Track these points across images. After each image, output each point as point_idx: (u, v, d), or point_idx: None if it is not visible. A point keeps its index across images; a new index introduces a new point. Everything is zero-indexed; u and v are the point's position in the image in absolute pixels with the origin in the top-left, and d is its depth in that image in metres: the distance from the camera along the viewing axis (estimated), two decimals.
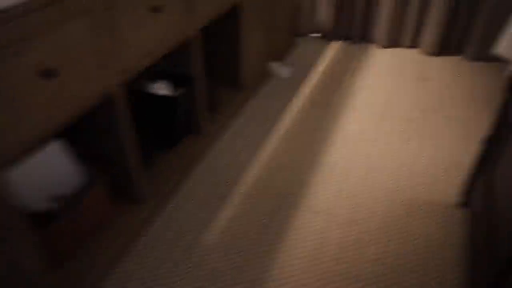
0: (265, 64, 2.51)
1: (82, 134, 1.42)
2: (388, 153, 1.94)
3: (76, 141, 1.44)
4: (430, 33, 2.75)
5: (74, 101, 1.11)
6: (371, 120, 2.17)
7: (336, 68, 2.68)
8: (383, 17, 2.83)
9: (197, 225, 1.57)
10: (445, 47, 2.83)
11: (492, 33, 2.59)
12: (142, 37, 1.32)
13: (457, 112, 2.22)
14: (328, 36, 3.03)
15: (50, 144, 1.31)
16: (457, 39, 2.76)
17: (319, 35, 3.09)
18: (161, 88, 1.73)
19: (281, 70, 2.55)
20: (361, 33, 3.00)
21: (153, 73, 1.81)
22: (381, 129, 2.10)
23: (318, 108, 2.27)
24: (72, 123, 1.41)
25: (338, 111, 2.25)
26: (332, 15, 2.94)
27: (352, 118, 2.19)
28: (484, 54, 2.70)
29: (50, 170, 1.31)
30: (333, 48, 2.96)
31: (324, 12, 2.99)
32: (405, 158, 1.91)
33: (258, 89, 2.44)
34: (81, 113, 1.15)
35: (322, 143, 2.01)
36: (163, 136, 1.83)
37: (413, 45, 2.92)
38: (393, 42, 2.93)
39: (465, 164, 1.86)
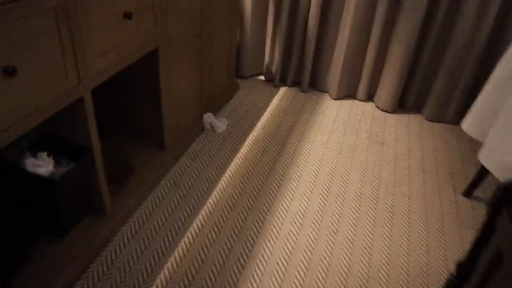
0: (196, 116, 2.10)
1: None
2: (336, 247, 1.57)
3: None
4: (387, 88, 2.45)
5: None
6: (317, 197, 1.80)
7: (281, 122, 2.32)
8: (337, 65, 2.51)
9: None
10: (403, 103, 2.55)
11: (453, 93, 2.34)
12: None
13: (418, 187, 1.91)
14: (275, 80, 2.68)
15: None
16: (415, 96, 2.49)
17: (264, 78, 2.73)
18: (38, 165, 1.27)
19: (216, 123, 2.14)
20: (312, 79, 2.67)
21: (33, 141, 1.35)
22: (327, 212, 1.73)
23: (255, 178, 1.87)
24: None
25: (279, 183, 1.86)
26: (280, 57, 2.59)
27: (295, 193, 1.81)
28: (444, 115, 2.43)
29: None
30: (280, 95, 2.59)
31: (271, 53, 2.64)
32: (356, 255, 1.55)
33: (186, 148, 2.01)
34: None
35: (258, 229, 1.61)
36: (47, 225, 1.36)
37: (369, 98, 2.62)
38: (346, 93, 2.62)
39: (434, 267, 1.52)
